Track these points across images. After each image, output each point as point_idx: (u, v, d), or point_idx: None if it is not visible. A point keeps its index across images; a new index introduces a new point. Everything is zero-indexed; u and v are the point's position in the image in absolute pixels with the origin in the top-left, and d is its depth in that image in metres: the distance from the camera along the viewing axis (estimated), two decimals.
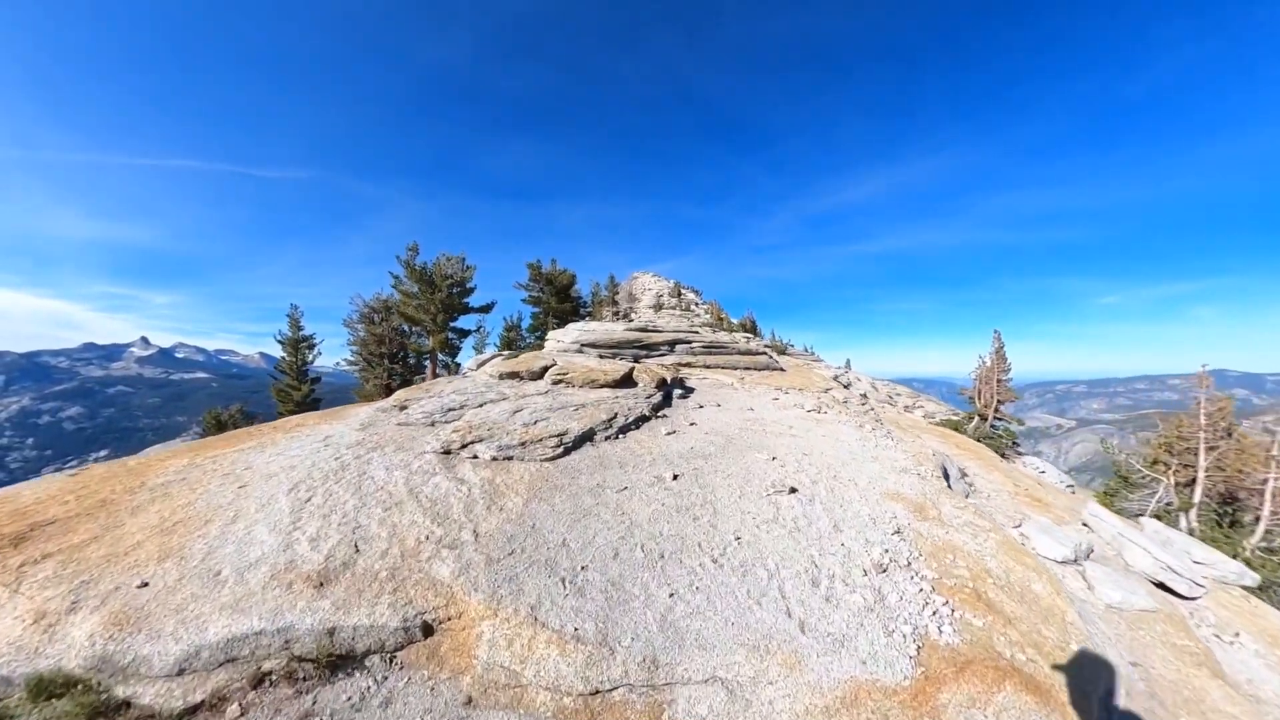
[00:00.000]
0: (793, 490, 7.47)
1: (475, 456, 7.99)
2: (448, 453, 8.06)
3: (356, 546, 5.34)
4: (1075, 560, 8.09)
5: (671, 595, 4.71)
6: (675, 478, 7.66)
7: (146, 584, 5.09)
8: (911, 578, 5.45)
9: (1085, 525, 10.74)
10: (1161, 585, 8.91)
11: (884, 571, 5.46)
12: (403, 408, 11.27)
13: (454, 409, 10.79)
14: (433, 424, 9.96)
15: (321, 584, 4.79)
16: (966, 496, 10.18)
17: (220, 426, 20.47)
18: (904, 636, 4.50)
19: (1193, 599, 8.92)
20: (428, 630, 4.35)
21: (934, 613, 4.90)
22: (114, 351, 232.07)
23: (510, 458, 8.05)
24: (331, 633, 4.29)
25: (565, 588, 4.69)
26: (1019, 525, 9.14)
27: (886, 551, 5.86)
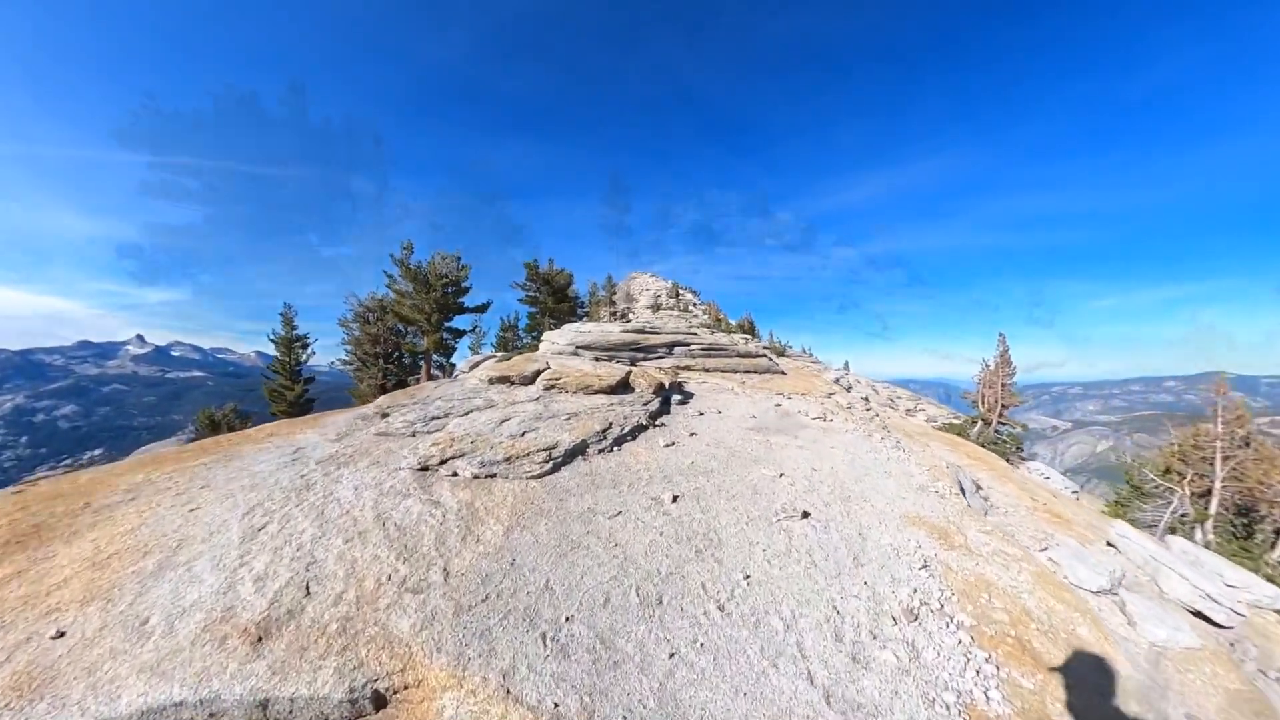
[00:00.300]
0: (805, 515, 6.76)
1: (455, 474, 7.27)
2: (425, 469, 7.34)
3: (307, 588, 4.63)
4: (1111, 590, 7.41)
5: (671, 655, 3.98)
6: (675, 499, 6.95)
7: (63, 634, 4.37)
8: (947, 625, 4.75)
9: (1111, 545, 10.06)
10: (1198, 613, 8.25)
11: (916, 619, 4.75)
12: (384, 415, 10.55)
13: (438, 417, 10.07)
14: (414, 434, 9.25)
15: (260, 638, 4.07)
16: (985, 514, 9.50)
17: (214, 426, 19.84)
18: (947, 708, 3.79)
19: (1229, 628, 8.27)
20: (380, 702, 3.64)
21: (977, 671, 4.20)
22: (109, 349, 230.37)
23: (493, 475, 7.33)
24: (265, 705, 3.57)
25: (545, 646, 3.96)
26: (1045, 549, 8.45)
27: (915, 592, 5.16)
